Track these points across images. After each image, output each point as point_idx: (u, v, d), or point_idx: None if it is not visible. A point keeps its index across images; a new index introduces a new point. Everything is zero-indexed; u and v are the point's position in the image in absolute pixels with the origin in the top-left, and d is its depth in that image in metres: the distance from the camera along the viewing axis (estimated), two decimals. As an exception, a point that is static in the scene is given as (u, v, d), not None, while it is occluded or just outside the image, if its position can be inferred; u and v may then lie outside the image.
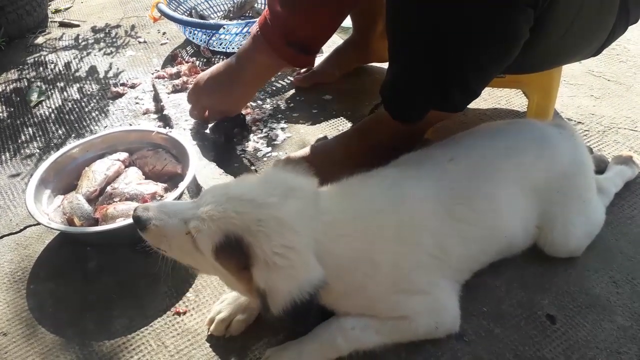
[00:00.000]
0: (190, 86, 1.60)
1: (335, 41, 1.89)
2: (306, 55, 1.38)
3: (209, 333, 1.07)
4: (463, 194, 1.06)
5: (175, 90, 1.78)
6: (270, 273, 0.84)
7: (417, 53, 1.11)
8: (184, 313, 1.12)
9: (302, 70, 1.83)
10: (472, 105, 1.65)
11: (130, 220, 1.21)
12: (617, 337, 1.04)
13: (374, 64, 1.87)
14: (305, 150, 1.37)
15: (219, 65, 1.51)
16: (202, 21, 2.03)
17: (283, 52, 1.35)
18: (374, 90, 1.71)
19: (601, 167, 1.36)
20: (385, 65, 1.83)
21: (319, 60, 1.82)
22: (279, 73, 1.86)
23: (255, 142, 1.58)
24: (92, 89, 1.90)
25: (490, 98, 1.70)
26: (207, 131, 1.58)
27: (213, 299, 1.14)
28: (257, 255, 0.84)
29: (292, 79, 1.84)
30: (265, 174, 1.01)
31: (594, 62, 1.85)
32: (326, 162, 1.32)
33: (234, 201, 0.87)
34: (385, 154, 1.19)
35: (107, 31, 2.32)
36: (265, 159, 1.52)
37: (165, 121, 1.67)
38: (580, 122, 1.59)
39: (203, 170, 1.43)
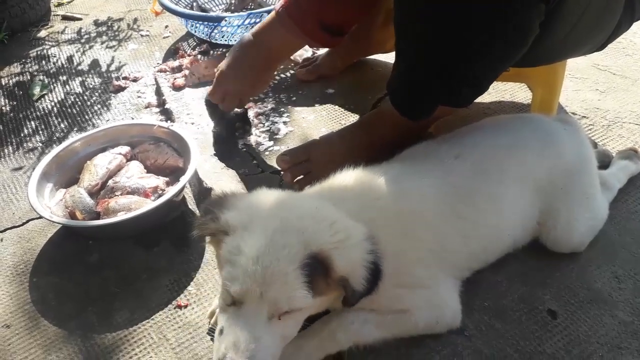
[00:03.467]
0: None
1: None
2: (339, 36, 1.39)
3: (210, 326, 1.07)
4: (466, 192, 1.06)
5: (177, 87, 1.77)
6: (342, 253, 0.85)
7: (426, 49, 1.10)
8: (186, 306, 1.13)
9: (304, 64, 1.82)
10: (477, 99, 1.65)
11: (131, 214, 1.21)
12: (618, 332, 1.04)
13: (376, 57, 1.86)
14: (310, 144, 1.37)
15: (232, 52, 1.45)
16: (204, 14, 2.02)
17: (316, 35, 1.35)
18: (376, 84, 1.71)
19: (605, 161, 1.36)
20: (387, 57, 1.82)
21: (320, 54, 1.81)
22: (281, 66, 1.86)
23: (257, 136, 1.58)
24: (95, 82, 1.90)
25: (494, 92, 1.69)
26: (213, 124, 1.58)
27: (214, 293, 1.14)
28: (328, 250, 0.84)
29: (294, 72, 1.84)
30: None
31: (599, 56, 1.83)
32: (328, 157, 1.32)
33: (272, 246, 0.83)
34: (388, 148, 1.19)
35: (109, 24, 2.32)
36: (267, 153, 1.51)
37: (167, 115, 1.67)
38: (584, 116, 1.58)
39: (204, 164, 1.42)
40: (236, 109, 1.59)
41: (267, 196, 0.96)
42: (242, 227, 0.87)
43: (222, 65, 1.47)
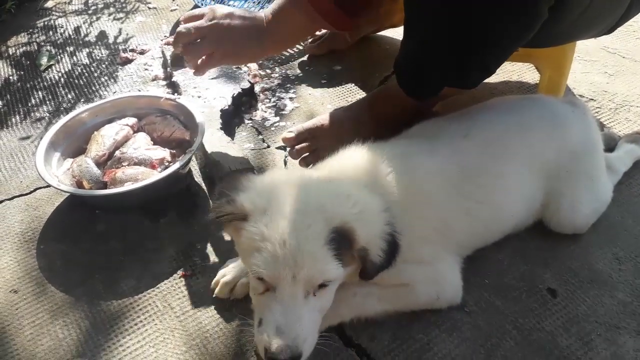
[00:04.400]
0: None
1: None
2: (354, 17, 1.38)
3: (214, 295, 1.08)
4: (473, 171, 1.06)
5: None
6: (363, 225, 0.86)
7: (435, 29, 1.09)
8: (190, 276, 1.14)
9: (314, 38, 1.81)
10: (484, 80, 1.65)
11: (138, 185, 1.23)
12: (617, 312, 1.05)
13: (384, 34, 1.85)
14: (314, 121, 1.37)
15: (243, 15, 1.33)
16: (212, -13, 2.01)
17: (332, 16, 1.35)
18: (383, 61, 1.70)
19: (611, 144, 1.36)
20: (395, 34, 1.81)
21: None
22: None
23: (263, 112, 1.58)
24: (102, 54, 1.90)
25: (501, 72, 1.68)
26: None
27: (219, 264, 1.16)
28: (350, 222, 0.86)
29: (301, 47, 1.83)
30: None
31: (609, 39, 1.81)
32: (334, 134, 1.32)
33: (296, 228, 0.84)
34: (394, 125, 1.19)
35: (116, -4, 2.30)
36: (273, 128, 1.52)
37: (174, 88, 1.67)
38: (592, 99, 1.57)
39: (211, 137, 1.43)
40: (243, 84, 1.59)
41: (280, 177, 0.97)
42: (259, 211, 0.87)
43: (224, 11, 1.32)
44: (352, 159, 1.05)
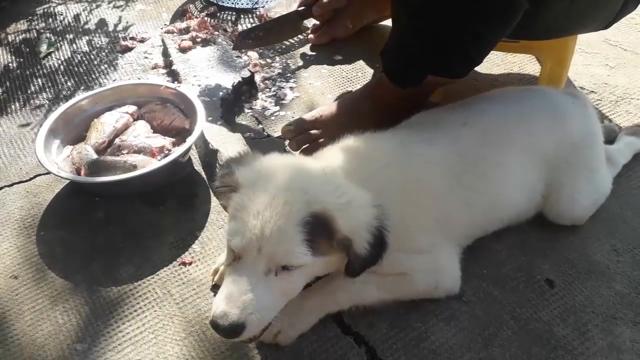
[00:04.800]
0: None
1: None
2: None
3: (213, 283, 1.09)
4: (473, 160, 1.06)
5: (184, 49, 1.75)
6: (347, 215, 0.86)
7: (416, 18, 1.11)
8: (190, 263, 1.15)
9: (315, 27, 1.80)
10: (484, 70, 1.65)
11: (138, 172, 1.23)
12: (614, 303, 1.06)
13: (385, 24, 1.84)
14: (313, 113, 1.37)
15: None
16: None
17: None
18: (385, 51, 1.69)
19: (611, 136, 1.36)
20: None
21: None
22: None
23: (263, 101, 1.58)
24: (101, 42, 1.89)
25: (503, 64, 1.68)
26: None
27: (218, 251, 1.16)
28: (331, 210, 0.85)
29: (302, 37, 1.82)
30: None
31: (611, 31, 1.79)
32: (333, 124, 1.32)
33: (274, 202, 0.84)
34: (393, 115, 1.19)
35: (116, -16, 2.29)
36: (273, 118, 1.51)
37: (174, 76, 1.66)
38: (593, 91, 1.57)
39: (211, 126, 1.43)
40: (243, 73, 1.59)
41: (279, 159, 0.98)
42: (249, 184, 0.88)
43: None
44: (351, 149, 1.05)
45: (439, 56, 1.14)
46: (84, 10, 2.08)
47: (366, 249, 0.86)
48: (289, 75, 1.67)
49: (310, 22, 1.84)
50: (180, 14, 1.99)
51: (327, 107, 1.37)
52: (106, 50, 1.84)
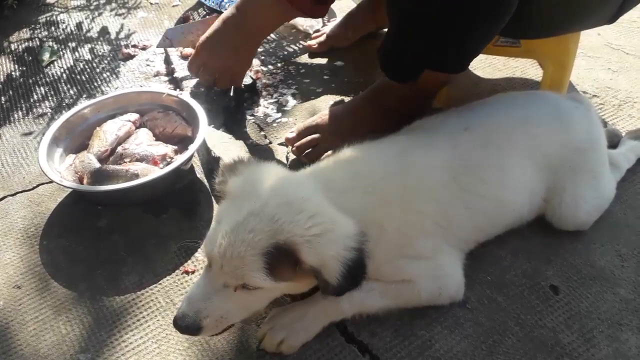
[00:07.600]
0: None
1: (350, 5, 1.86)
2: (322, 5, 1.38)
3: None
4: (474, 164, 1.06)
5: (186, 57, 1.75)
6: (314, 247, 0.84)
7: (410, 11, 1.11)
8: (193, 272, 1.15)
9: (315, 35, 1.81)
10: (486, 75, 1.64)
11: (140, 181, 1.23)
12: (619, 309, 1.05)
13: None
14: (315, 118, 1.37)
15: (214, 24, 1.45)
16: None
17: (299, 2, 1.35)
18: (386, 57, 1.69)
19: (614, 141, 1.35)
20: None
21: (331, 26, 1.79)
22: (291, 38, 1.84)
23: (265, 108, 1.58)
24: (104, 49, 1.90)
25: (505, 68, 1.67)
26: (215, 95, 1.57)
27: (221, 260, 1.16)
28: (296, 242, 0.84)
29: (304, 43, 1.82)
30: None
31: (613, 35, 1.81)
32: (335, 130, 1.32)
33: (241, 227, 0.85)
34: (396, 118, 1.19)
35: (118, -9, 2.29)
36: (275, 124, 1.51)
37: (176, 84, 1.67)
38: (595, 95, 1.57)
39: (213, 133, 1.43)
40: (245, 80, 1.59)
41: (269, 173, 0.95)
42: (233, 196, 0.91)
43: (203, 37, 1.47)
44: (349, 161, 1.04)
45: (434, 48, 1.14)
46: (86, 18, 2.09)
47: (338, 279, 0.85)
48: (290, 81, 1.67)
49: (312, 29, 1.84)
50: (182, 21, 1.99)
51: (328, 111, 1.37)
52: (108, 58, 1.85)
